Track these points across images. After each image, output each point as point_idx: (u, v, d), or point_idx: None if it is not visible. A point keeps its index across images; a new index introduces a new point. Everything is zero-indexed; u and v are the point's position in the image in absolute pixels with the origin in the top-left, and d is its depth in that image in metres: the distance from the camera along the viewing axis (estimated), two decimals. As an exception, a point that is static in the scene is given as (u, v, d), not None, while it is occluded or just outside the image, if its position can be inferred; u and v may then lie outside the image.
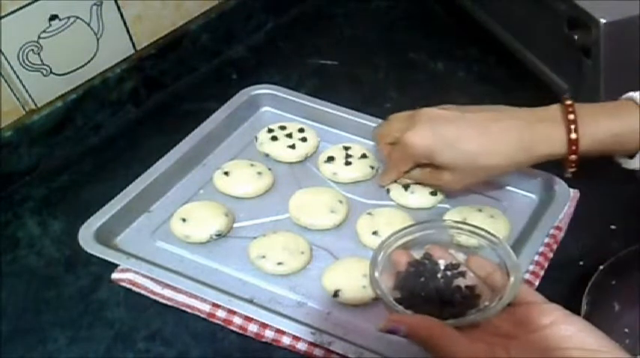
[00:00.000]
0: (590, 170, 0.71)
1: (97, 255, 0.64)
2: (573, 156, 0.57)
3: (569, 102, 0.57)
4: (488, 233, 0.50)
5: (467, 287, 0.48)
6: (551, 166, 0.70)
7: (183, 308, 0.62)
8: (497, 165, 0.59)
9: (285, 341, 0.59)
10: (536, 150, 0.58)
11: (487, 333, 0.43)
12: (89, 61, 0.77)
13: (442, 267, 0.49)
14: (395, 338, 0.58)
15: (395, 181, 0.69)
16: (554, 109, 0.58)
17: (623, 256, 0.59)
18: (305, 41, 0.95)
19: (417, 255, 0.51)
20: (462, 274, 0.49)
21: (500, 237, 0.49)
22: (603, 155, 0.58)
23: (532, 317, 0.43)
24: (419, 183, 0.68)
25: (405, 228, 0.51)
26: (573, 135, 0.56)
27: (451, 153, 0.60)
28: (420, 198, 0.69)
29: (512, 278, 0.45)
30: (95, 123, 0.81)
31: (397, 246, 0.50)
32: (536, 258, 0.63)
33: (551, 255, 0.64)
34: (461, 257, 0.50)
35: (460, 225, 0.52)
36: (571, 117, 0.56)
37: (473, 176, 0.62)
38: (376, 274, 0.48)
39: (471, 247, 0.52)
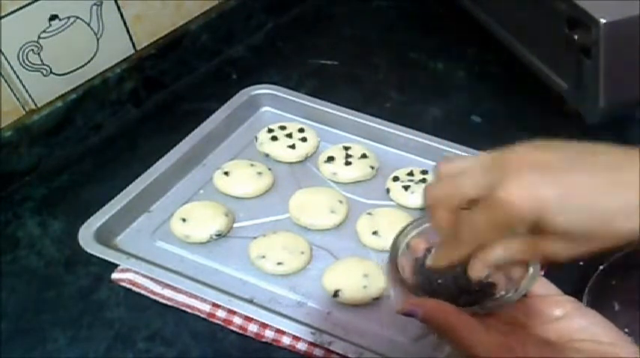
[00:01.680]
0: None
1: (97, 255, 0.64)
2: None
3: None
4: None
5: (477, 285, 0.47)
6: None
7: (183, 308, 0.62)
8: (634, 228, 0.38)
9: (285, 341, 0.59)
10: None
11: (501, 322, 0.43)
12: (89, 61, 0.77)
13: None
14: (395, 337, 0.58)
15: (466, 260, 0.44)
16: None
17: (623, 256, 0.59)
18: (305, 41, 0.95)
19: (436, 241, 0.50)
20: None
21: None
22: None
23: (546, 308, 0.43)
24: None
25: (423, 216, 0.51)
26: None
27: (575, 213, 0.38)
28: (420, 197, 0.69)
29: (531, 269, 0.45)
30: (95, 123, 0.81)
31: (416, 233, 0.50)
32: (536, 258, 0.63)
33: (551, 255, 0.64)
34: None
35: None
36: None
37: (594, 243, 0.40)
38: (397, 259, 0.48)
39: None
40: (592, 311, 0.42)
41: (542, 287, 0.45)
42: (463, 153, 0.72)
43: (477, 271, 0.43)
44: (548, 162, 0.41)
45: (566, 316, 0.42)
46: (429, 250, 0.49)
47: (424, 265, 0.48)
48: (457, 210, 0.42)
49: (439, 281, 0.46)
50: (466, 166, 0.43)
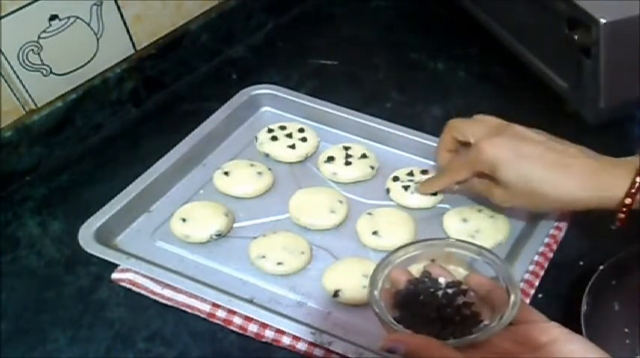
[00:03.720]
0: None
1: (97, 255, 0.63)
2: (621, 215, 0.54)
3: None
4: (488, 251, 0.50)
5: (466, 305, 0.47)
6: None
7: (183, 308, 0.62)
8: (557, 197, 0.56)
9: (285, 341, 0.59)
10: (600, 195, 0.54)
11: (487, 352, 0.43)
12: (89, 61, 0.77)
13: (442, 285, 0.49)
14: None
15: (437, 190, 0.68)
16: (632, 161, 0.54)
17: (623, 256, 0.59)
18: (305, 41, 0.95)
19: (417, 272, 0.50)
20: (462, 292, 0.48)
21: (500, 257, 0.49)
22: None
23: (532, 335, 0.43)
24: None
25: (404, 246, 0.51)
26: (627, 200, 0.53)
27: (516, 171, 0.57)
28: (420, 197, 0.69)
29: (512, 298, 0.45)
30: (95, 123, 0.81)
31: (396, 263, 0.50)
32: (536, 258, 0.63)
33: (551, 255, 0.64)
34: (460, 273, 0.50)
35: (460, 244, 0.52)
36: (638, 179, 0.52)
37: (527, 200, 0.58)
38: (375, 293, 0.48)
39: (469, 264, 0.52)
40: (578, 336, 0.42)
41: (528, 315, 0.45)
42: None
43: (431, 187, 0.67)
44: (526, 136, 0.58)
45: (553, 342, 0.42)
46: (410, 282, 0.49)
47: (406, 297, 0.48)
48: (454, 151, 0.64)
49: (421, 313, 0.46)
50: (488, 119, 0.62)
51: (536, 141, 0.58)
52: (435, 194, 0.69)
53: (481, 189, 0.62)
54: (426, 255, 0.52)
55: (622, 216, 0.54)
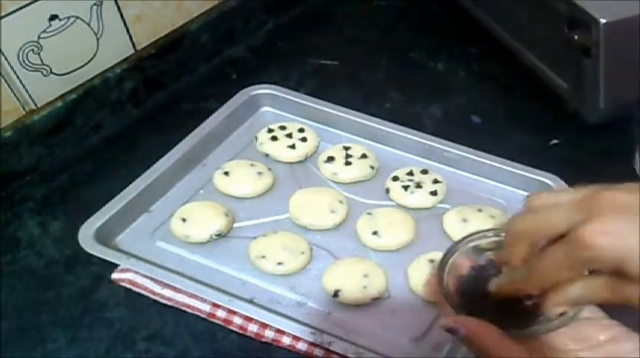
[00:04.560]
0: (590, 170, 0.71)
1: (97, 255, 0.64)
2: None
3: None
4: None
5: (528, 296, 0.47)
6: (551, 166, 0.70)
7: (183, 308, 0.62)
8: None
9: (285, 341, 0.59)
10: None
11: (545, 346, 0.42)
12: (89, 61, 0.77)
13: None
14: (395, 338, 0.58)
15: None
16: None
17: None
18: (305, 41, 0.95)
19: (481, 261, 0.50)
20: None
21: None
22: None
23: (591, 332, 0.42)
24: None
25: (472, 234, 0.50)
26: None
27: None
28: (420, 197, 0.69)
29: None
30: (95, 123, 0.81)
31: (463, 251, 0.50)
32: (536, 258, 0.63)
33: (551, 255, 0.64)
34: None
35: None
36: None
37: None
38: (444, 276, 0.47)
39: None
40: (637, 336, 0.41)
41: (588, 311, 0.44)
42: (462, 153, 0.72)
43: (555, 305, 0.42)
44: (635, 206, 0.38)
45: (613, 340, 0.41)
46: (474, 268, 0.48)
47: (468, 284, 0.47)
48: (535, 247, 0.41)
49: (482, 301, 0.46)
50: (557, 200, 0.41)
51: None
52: (434, 194, 0.69)
53: (606, 293, 0.40)
54: (494, 245, 0.51)
55: None
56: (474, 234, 0.50)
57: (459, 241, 0.49)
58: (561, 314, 0.43)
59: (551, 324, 0.43)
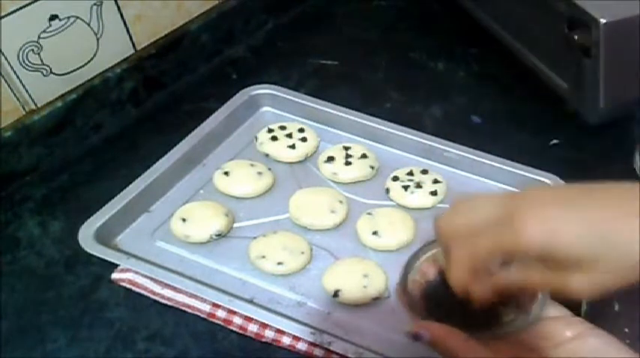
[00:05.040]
0: (590, 170, 0.71)
1: (97, 255, 0.64)
2: None
3: None
4: None
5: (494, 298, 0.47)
6: (551, 166, 0.70)
7: (184, 308, 0.62)
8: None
9: (285, 341, 0.59)
10: None
11: (511, 346, 0.43)
12: (89, 61, 0.77)
13: None
14: (395, 338, 0.58)
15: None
16: None
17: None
18: (305, 41, 0.95)
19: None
20: None
21: None
22: None
23: (556, 330, 0.42)
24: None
25: (434, 240, 0.51)
26: None
27: (586, 240, 0.37)
28: (420, 198, 0.69)
29: (540, 295, 0.45)
30: (95, 123, 0.81)
31: (428, 256, 0.50)
32: (536, 258, 0.63)
33: (551, 255, 0.64)
34: None
35: None
36: None
37: (620, 275, 0.38)
38: (406, 282, 0.48)
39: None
40: (603, 332, 0.42)
41: (552, 309, 0.44)
42: (462, 153, 0.72)
43: (483, 290, 0.42)
44: (558, 197, 0.40)
45: (578, 337, 0.41)
46: (439, 273, 0.49)
47: (434, 289, 0.48)
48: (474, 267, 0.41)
49: (447, 305, 0.46)
50: (477, 201, 0.42)
51: (572, 191, 0.40)
52: (434, 194, 0.69)
53: (545, 281, 0.40)
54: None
55: None
56: (432, 241, 0.50)
57: (423, 247, 0.50)
58: (525, 316, 0.43)
59: (515, 325, 0.43)
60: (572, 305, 0.53)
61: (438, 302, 0.47)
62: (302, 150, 0.75)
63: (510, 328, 0.44)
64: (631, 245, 0.36)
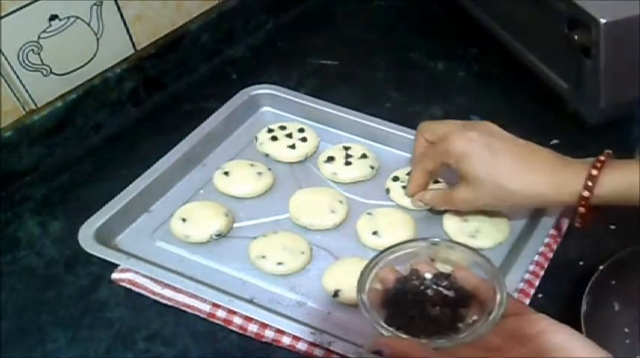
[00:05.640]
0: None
1: (97, 255, 0.64)
2: (582, 209, 0.56)
3: (602, 157, 0.56)
4: (473, 249, 0.51)
5: (454, 301, 0.48)
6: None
7: (184, 308, 0.62)
8: (523, 192, 0.57)
9: (285, 341, 0.59)
10: (563, 191, 0.57)
11: (477, 348, 0.43)
12: (89, 61, 0.77)
13: (430, 282, 0.49)
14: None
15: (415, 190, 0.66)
16: (586, 161, 0.57)
17: (623, 256, 0.59)
18: (305, 41, 0.95)
19: (405, 272, 0.51)
20: (451, 285, 0.49)
21: (484, 256, 0.50)
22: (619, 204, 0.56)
23: (520, 328, 0.43)
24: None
25: (391, 247, 0.52)
26: (585, 193, 0.55)
27: (485, 164, 0.58)
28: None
29: (498, 296, 0.45)
30: (95, 123, 0.81)
31: (384, 263, 0.51)
32: (536, 258, 0.63)
33: (551, 255, 0.64)
34: (447, 270, 0.50)
35: (445, 243, 0.52)
36: (594, 172, 0.54)
37: (491, 197, 0.59)
38: (363, 296, 0.48)
39: (456, 263, 0.52)
40: (565, 326, 0.42)
41: (515, 308, 0.45)
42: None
43: (412, 189, 0.65)
44: (495, 133, 0.60)
45: (542, 333, 0.42)
46: (398, 280, 0.49)
47: (394, 296, 0.48)
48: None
49: (409, 312, 0.47)
50: (458, 121, 0.63)
51: (505, 137, 0.60)
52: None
53: (442, 198, 0.64)
54: (413, 255, 0.52)
55: (582, 210, 0.56)
56: (392, 247, 0.51)
57: (377, 256, 0.50)
58: (486, 320, 0.44)
59: (476, 330, 0.44)
60: (572, 306, 0.54)
61: (400, 309, 0.47)
62: (302, 150, 0.75)
63: (472, 334, 0.44)
64: (505, 173, 0.57)
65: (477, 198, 0.60)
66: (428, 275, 0.49)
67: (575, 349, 0.40)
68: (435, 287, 0.49)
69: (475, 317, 0.46)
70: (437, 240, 0.52)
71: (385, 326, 0.46)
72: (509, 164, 0.58)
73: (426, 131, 0.65)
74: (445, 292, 0.48)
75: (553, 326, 0.42)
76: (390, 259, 0.51)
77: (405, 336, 0.45)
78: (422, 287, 0.49)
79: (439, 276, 0.49)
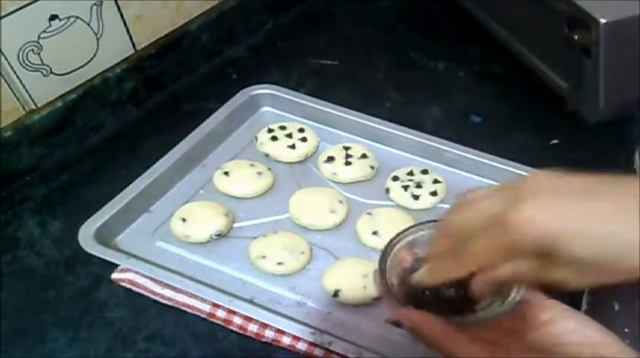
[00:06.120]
0: (590, 170, 0.71)
1: (97, 255, 0.64)
2: None
3: None
4: None
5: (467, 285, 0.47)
6: (551, 166, 0.70)
7: (184, 308, 0.62)
8: None
9: (285, 341, 0.59)
10: None
11: (489, 330, 0.43)
12: (89, 61, 0.77)
13: None
14: (395, 338, 0.58)
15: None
16: None
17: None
18: (305, 41, 0.95)
19: (423, 253, 0.51)
20: None
21: None
22: None
23: (533, 313, 0.43)
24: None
25: (411, 227, 0.51)
26: None
27: (589, 241, 0.36)
28: (421, 198, 0.69)
29: None
30: (95, 123, 0.81)
31: (404, 244, 0.50)
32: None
33: (551, 255, 0.64)
34: None
35: None
36: None
37: (605, 275, 0.38)
38: (385, 270, 0.48)
39: None
40: (578, 313, 0.42)
41: (529, 293, 0.44)
42: (462, 153, 0.72)
43: (481, 289, 0.42)
44: (561, 188, 0.38)
45: (554, 319, 0.42)
46: (416, 261, 0.49)
47: (412, 276, 0.48)
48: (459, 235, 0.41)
49: (426, 292, 0.47)
50: (481, 191, 0.42)
51: (580, 182, 0.39)
52: (434, 194, 0.69)
53: (532, 275, 0.39)
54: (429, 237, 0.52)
55: None
56: (413, 226, 0.50)
57: (398, 235, 0.50)
58: (503, 301, 0.43)
59: (493, 310, 0.44)
60: (572, 306, 0.54)
61: (415, 289, 0.47)
62: (302, 150, 0.75)
63: (488, 314, 0.44)
64: (632, 249, 0.35)
65: (580, 278, 0.38)
66: None
67: (586, 334, 0.41)
68: None
69: (490, 300, 0.46)
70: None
71: (402, 302, 0.46)
72: (631, 229, 0.35)
73: (457, 229, 0.42)
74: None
75: (565, 311, 0.42)
76: (409, 240, 0.51)
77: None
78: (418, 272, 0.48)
79: None
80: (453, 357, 0.41)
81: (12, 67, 0.70)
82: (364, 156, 0.73)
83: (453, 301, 0.46)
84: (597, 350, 0.39)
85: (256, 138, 0.77)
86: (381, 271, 0.48)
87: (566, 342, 0.40)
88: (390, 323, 0.43)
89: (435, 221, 0.52)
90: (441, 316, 0.44)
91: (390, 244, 0.50)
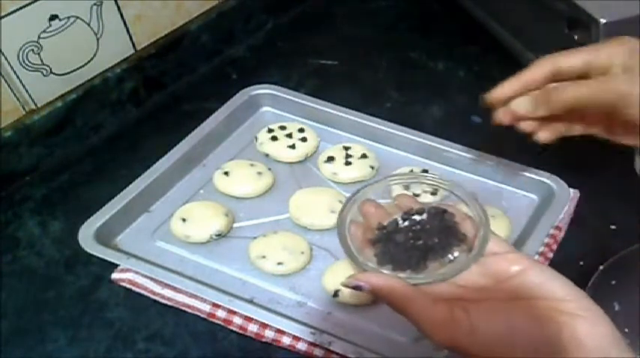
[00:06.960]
0: (591, 169, 0.71)
1: (97, 255, 0.64)
2: None
3: None
4: (458, 185, 0.49)
5: (440, 234, 0.46)
6: (551, 166, 0.70)
7: (184, 308, 0.62)
8: None
9: (285, 341, 0.59)
10: None
11: (455, 286, 0.43)
12: (89, 61, 0.77)
13: (414, 215, 0.47)
14: (395, 338, 0.58)
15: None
16: None
17: (623, 256, 0.59)
18: (305, 41, 0.95)
19: (388, 206, 0.49)
20: (441, 212, 0.47)
21: (471, 191, 0.48)
22: None
23: (500, 266, 0.42)
24: None
25: (372, 183, 0.51)
26: None
27: None
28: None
29: (481, 232, 0.44)
30: (95, 123, 0.81)
31: (365, 198, 0.50)
32: (536, 257, 0.63)
33: (551, 255, 0.64)
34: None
35: (430, 176, 0.51)
36: None
37: None
38: (345, 231, 0.47)
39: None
40: (547, 267, 0.42)
41: (497, 245, 0.44)
42: (462, 153, 0.72)
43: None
44: None
45: (523, 272, 0.42)
46: (380, 214, 0.48)
47: (378, 230, 0.47)
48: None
49: (394, 246, 0.45)
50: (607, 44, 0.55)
51: None
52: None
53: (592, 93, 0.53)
54: (396, 189, 0.51)
55: None
56: (369, 183, 0.51)
57: (357, 191, 0.50)
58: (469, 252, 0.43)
59: (457, 266, 0.43)
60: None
61: (384, 244, 0.46)
62: (302, 150, 0.75)
63: (453, 270, 0.43)
64: None
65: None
66: (418, 214, 0.47)
67: (552, 288, 0.40)
68: (418, 218, 0.47)
69: (456, 254, 0.45)
70: (421, 173, 0.50)
71: (363, 262, 0.45)
72: None
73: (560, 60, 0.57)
74: (431, 224, 0.46)
75: (533, 264, 0.42)
76: (371, 193, 0.50)
77: (386, 272, 0.44)
78: (407, 222, 0.47)
79: (434, 212, 0.47)
80: (415, 321, 0.40)
81: (12, 67, 0.70)
82: (364, 156, 0.73)
83: (420, 255, 0.44)
84: (558, 306, 0.39)
85: (256, 138, 0.77)
86: (342, 234, 0.47)
87: (533, 296, 0.40)
88: (350, 288, 0.42)
89: (394, 175, 0.51)
90: (412, 271, 0.43)
91: (348, 202, 0.49)
